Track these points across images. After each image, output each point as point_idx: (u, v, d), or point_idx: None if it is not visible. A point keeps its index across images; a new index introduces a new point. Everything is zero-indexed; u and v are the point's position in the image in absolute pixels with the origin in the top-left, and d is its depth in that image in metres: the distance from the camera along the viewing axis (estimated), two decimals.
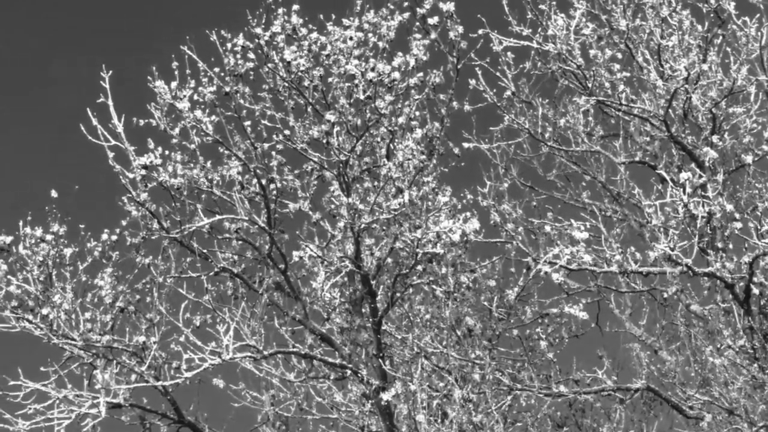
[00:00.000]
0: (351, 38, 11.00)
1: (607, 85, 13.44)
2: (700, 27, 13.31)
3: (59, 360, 11.20)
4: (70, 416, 10.82)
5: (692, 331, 13.29)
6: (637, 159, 14.06)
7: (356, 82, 10.89)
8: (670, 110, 13.01)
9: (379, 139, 11.40)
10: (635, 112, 13.50)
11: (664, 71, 13.00)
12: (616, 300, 14.12)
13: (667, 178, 12.09)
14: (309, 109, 11.29)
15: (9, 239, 11.07)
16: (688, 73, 12.56)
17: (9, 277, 11.07)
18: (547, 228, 12.53)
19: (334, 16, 11.09)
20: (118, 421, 11.49)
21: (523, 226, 13.26)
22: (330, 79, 11.09)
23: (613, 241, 12.56)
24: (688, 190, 10.80)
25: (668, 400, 12.70)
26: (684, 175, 10.64)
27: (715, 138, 12.91)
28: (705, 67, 12.90)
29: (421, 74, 10.99)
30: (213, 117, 11.07)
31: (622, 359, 13.60)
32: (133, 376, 11.05)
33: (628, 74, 13.42)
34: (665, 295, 13.29)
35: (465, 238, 10.64)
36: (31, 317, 11.06)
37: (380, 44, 11.09)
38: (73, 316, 11.13)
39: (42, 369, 11.07)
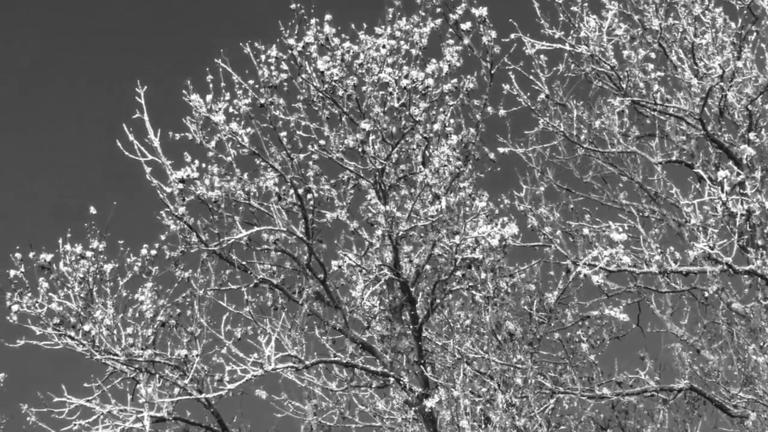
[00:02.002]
0: (384, 46, 11.01)
1: (641, 85, 13.38)
2: (733, 24, 13.22)
3: (102, 375, 11.26)
4: (115, 431, 10.86)
5: (734, 329, 13.23)
6: (673, 158, 13.99)
7: (390, 90, 10.90)
8: (705, 108, 12.94)
9: (414, 146, 11.40)
10: (670, 111, 13.44)
11: (699, 69, 12.94)
12: (656, 300, 14.07)
13: (705, 176, 12.03)
14: (344, 119, 11.30)
15: (50, 257, 11.13)
16: (723, 70, 12.49)
17: (50, 294, 11.13)
18: (585, 230, 12.49)
19: (366, 25, 11.10)
20: None
21: (561, 229, 13.24)
22: (364, 88, 11.09)
23: (651, 242, 12.51)
24: (726, 188, 10.76)
25: (712, 400, 12.64)
26: (722, 173, 10.60)
27: (752, 135, 12.83)
28: (740, 64, 12.83)
29: (454, 80, 10.98)
30: (248, 129, 11.10)
31: (664, 360, 13.55)
32: (176, 390, 11.09)
33: (663, 74, 13.35)
34: (706, 294, 13.24)
35: (504, 243, 10.63)
36: (73, 334, 11.12)
37: (413, 51, 11.09)
38: (115, 332, 11.18)
39: (85, 385, 11.13)
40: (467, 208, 11.03)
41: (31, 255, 11.05)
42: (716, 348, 13.65)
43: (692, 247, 11.63)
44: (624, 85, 13.24)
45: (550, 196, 14.31)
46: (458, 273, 11.25)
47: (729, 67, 12.66)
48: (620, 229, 11.54)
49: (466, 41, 10.97)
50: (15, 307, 10.99)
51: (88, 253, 11.25)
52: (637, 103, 13.51)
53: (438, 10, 11.09)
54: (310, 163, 11.77)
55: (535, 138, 14.34)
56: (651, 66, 13.36)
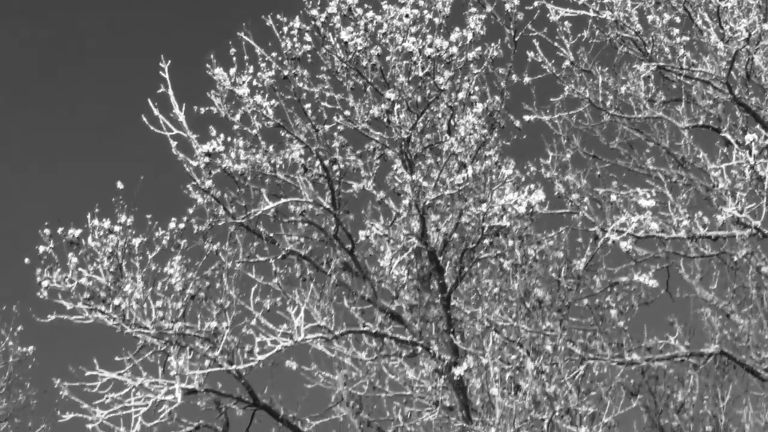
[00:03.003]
0: (407, 15, 10.97)
1: (666, 50, 13.28)
2: None
3: (133, 349, 11.30)
4: (147, 403, 10.93)
5: (764, 293, 13.19)
6: (700, 123, 13.90)
7: (414, 59, 10.88)
8: (732, 72, 12.84)
9: (439, 115, 11.38)
10: (696, 75, 13.35)
11: (725, 33, 12.83)
12: (685, 265, 14.02)
13: (732, 140, 11.97)
14: (368, 89, 11.29)
15: (78, 232, 11.18)
16: (749, 33, 12.39)
17: (80, 269, 11.17)
18: (613, 197, 12.47)
19: None
20: (194, 407, 11.61)
21: (588, 195, 13.21)
22: (388, 58, 11.07)
23: (680, 207, 12.47)
24: (754, 151, 10.71)
25: (742, 364, 12.62)
26: (749, 137, 10.55)
27: None
28: (766, 26, 12.73)
29: (478, 48, 10.95)
30: (273, 101, 11.10)
31: (693, 325, 13.52)
32: (207, 362, 11.14)
33: (688, 38, 13.25)
34: (735, 259, 13.20)
35: (531, 210, 10.62)
36: (103, 308, 11.17)
37: (436, 20, 11.04)
38: (145, 305, 11.22)
39: (117, 358, 11.19)
40: (494, 176, 11.02)
41: (59, 231, 11.11)
42: (746, 312, 13.61)
43: (721, 212, 11.59)
44: (649, 51, 13.16)
45: (577, 163, 14.27)
46: (486, 241, 11.25)
47: (755, 30, 12.55)
48: (648, 195, 11.52)
49: (489, 9, 10.95)
50: (45, 283, 11.05)
51: (117, 228, 11.28)
52: (663, 68, 13.42)
53: None
54: (336, 134, 11.76)
55: (561, 105, 14.27)
56: (676, 30, 13.25)
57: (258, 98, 11.01)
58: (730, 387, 13.64)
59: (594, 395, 11.88)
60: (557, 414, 10.84)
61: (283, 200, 11.47)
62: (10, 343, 19.48)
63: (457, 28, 10.89)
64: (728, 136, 12.47)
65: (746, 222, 10.92)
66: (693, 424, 13.84)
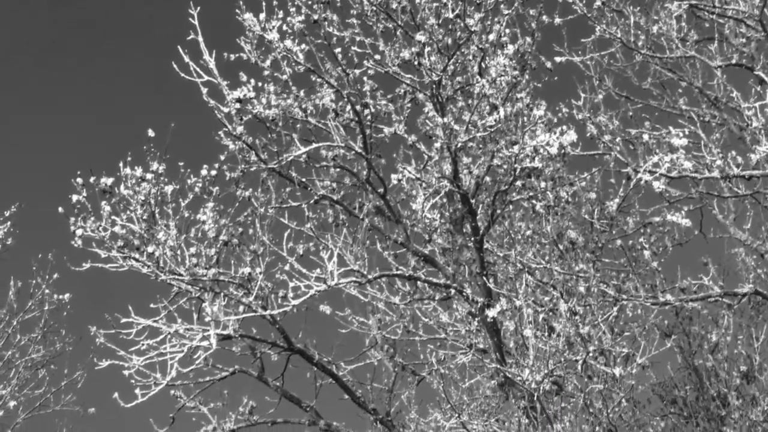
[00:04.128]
0: None
1: None
2: None
3: (168, 296, 11.37)
4: (182, 350, 11.00)
5: None
6: (733, 62, 13.77)
7: (444, 1, 10.82)
8: (765, 10, 12.71)
9: (470, 58, 11.32)
10: (729, 13, 13.22)
11: None
12: (719, 205, 13.94)
13: (766, 78, 11.86)
14: (398, 32, 11.24)
15: (110, 181, 11.20)
16: None
17: (113, 217, 11.21)
18: (645, 137, 12.37)
19: None
20: (229, 352, 11.69)
21: (620, 136, 13.12)
22: (417, 0, 11.01)
23: (713, 147, 12.37)
24: None
25: None
26: None
27: None
28: None
29: None
30: (303, 46, 11.07)
31: (727, 265, 13.49)
32: (241, 308, 11.18)
33: None
34: None
35: (563, 151, 10.57)
36: (137, 256, 11.21)
37: None
38: (179, 252, 11.26)
39: (152, 306, 11.26)
40: (525, 118, 10.98)
41: (92, 180, 11.13)
42: None
43: (754, 151, 11.51)
44: None
45: (609, 104, 14.19)
46: (518, 183, 11.23)
47: None
48: (681, 135, 11.44)
49: None
50: (79, 232, 11.09)
51: (149, 176, 11.30)
52: (695, 7, 13.30)
53: None
54: (366, 78, 11.71)
55: (592, 46, 14.18)
56: None
57: (288, 43, 10.98)
58: (765, 327, 13.61)
59: (628, 336, 11.87)
60: (591, 355, 10.85)
61: (314, 145, 11.47)
62: (47, 291, 19.62)
63: None
64: (762, 75, 12.36)
65: None
66: (727, 365, 13.83)
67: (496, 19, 11.04)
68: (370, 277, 11.22)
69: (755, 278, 13.29)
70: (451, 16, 10.83)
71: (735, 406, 13.30)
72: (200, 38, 10.81)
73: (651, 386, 13.84)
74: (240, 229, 11.53)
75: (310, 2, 11.13)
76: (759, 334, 13.58)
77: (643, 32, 13.79)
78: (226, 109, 10.98)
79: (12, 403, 18.62)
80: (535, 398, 10.44)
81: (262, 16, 11.05)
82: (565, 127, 10.81)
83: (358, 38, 11.53)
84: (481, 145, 11.23)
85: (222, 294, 11.21)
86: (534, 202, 11.75)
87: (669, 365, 13.97)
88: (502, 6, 10.95)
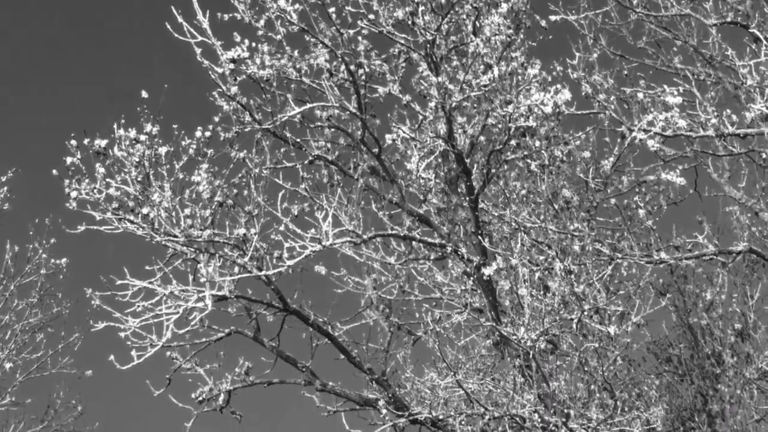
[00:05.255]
0: None
1: None
2: None
3: (163, 257, 11.37)
4: (178, 311, 11.01)
5: None
6: (728, 20, 13.71)
7: None
8: None
9: (464, 16, 11.28)
10: None
11: None
12: (713, 164, 13.92)
13: (761, 36, 11.83)
14: None
15: (104, 142, 11.16)
16: None
17: (108, 179, 11.18)
18: (640, 95, 12.36)
19: None
20: (224, 313, 11.70)
21: (615, 95, 13.09)
22: None
23: (708, 105, 12.35)
24: None
25: None
26: None
27: None
28: None
29: None
30: (297, 6, 11.03)
31: (722, 223, 13.49)
32: (236, 268, 11.19)
33: None
34: (764, 156, 13.08)
35: (557, 110, 10.56)
36: (132, 217, 11.20)
37: None
38: (173, 214, 11.24)
39: (147, 267, 11.25)
40: (520, 77, 10.95)
41: (86, 141, 11.11)
42: None
43: (749, 109, 11.50)
44: None
45: (604, 63, 14.12)
46: (513, 142, 11.22)
47: None
48: (675, 93, 11.43)
49: None
50: (74, 194, 11.07)
51: (143, 137, 11.26)
52: None
53: None
54: (360, 38, 11.68)
55: (587, 4, 14.11)
56: None
57: (282, 2, 10.94)
58: (759, 285, 13.65)
59: (622, 295, 11.90)
60: (586, 313, 10.88)
61: (309, 105, 11.46)
62: (44, 256, 19.65)
63: None
64: (757, 32, 12.32)
65: None
66: (722, 323, 13.88)
67: None
68: (365, 237, 11.23)
69: (750, 236, 13.29)
70: None
71: (729, 363, 13.36)
72: None
73: (646, 344, 13.90)
74: (235, 190, 11.52)
75: None
76: (753, 292, 13.62)
77: None
78: (220, 70, 10.96)
79: (8, 365, 18.66)
80: (531, 357, 10.48)
81: None
82: (559, 86, 10.80)
83: None
84: (475, 105, 11.21)
85: (217, 255, 11.20)
86: (529, 161, 11.75)
87: (664, 323, 14.03)
88: None
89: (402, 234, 11.65)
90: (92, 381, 19.93)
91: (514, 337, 10.52)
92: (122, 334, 10.91)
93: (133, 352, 10.87)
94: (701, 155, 13.35)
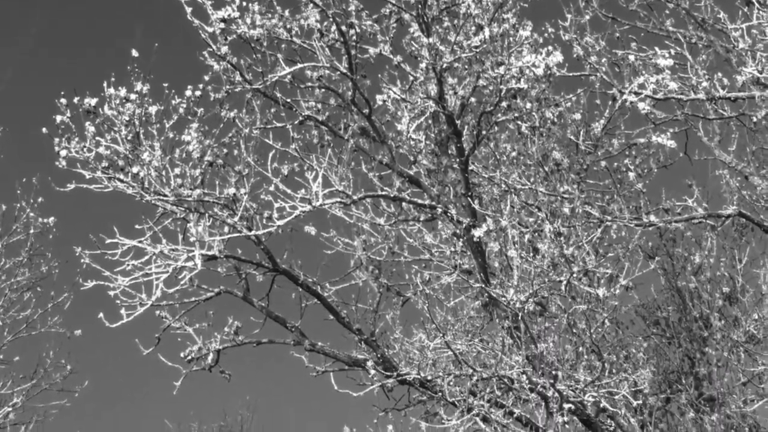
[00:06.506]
0: None
1: None
2: None
3: (153, 217, 11.36)
4: (167, 270, 11.03)
5: None
6: None
7: None
8: None
9: None
10: None
11: None
12: (704, 127, 13.88)
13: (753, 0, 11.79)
14: None
15: (94, 101, 11.14)
16: None
17: (98, 138, 11.16)
18: (632, 58, 12.33)
19: None
20: (214, 273, 11.70)
21: (606, 57, 13.05)
22: None
23: (699, 68, 12.33)
24: None
25: (760, 225, 12.60)
26: None
27: None
28: None
29: None
30: None
31: (712, 187, 13.48)
32: (226, 228, 11.19)
33: None
34: (755, 120, 13.06)
35: (548, 72, 10.55)
36: (122, 176, 11.18)
37: None
38: (163, 173, 11.23)
39: (137, 226, 11.26)
40: (511, 39, 10.92)
41: (75, 100, 11.08)
42: (765, 173, 13.52)
43: (740, 72, 11.49)
44: None
45: (595, 25, 14.07)
46: (503, 104, 11.21)
47: None
48: (667, 56, 11.40)
49: None
50: (63, 152, 11.05)
51: (133, 96, 11.24)
52: None
53: None
54: None
55: None
56: None
57: None
58: (748, 248, 13.67)
59: (612, 257, 11.93)
60: (575, 276, 10.91)
61: (299, 65, 11.44)
62: (31, 215, 19.60)
63: None
64: None
65: (766, 82, 10.83)
66: (710, 286, 13.91)
67: None
68: (355, 197, 11.23)
69: (739, 200, 13.27)
70: None
71: (717, 327, 13.40)
72: None
73: (634, 307, 13.94)
74: (225, 150, 11.49)
75: None
76: (742, 256, 13.65)
77: None
78: (210, 29, 10.93)
79: None
80: (519, 318, 10.50)
81: None
82: (551, 48, 10.78)
83: None
84: (466, 66, 11.18)
85: (207, 214, 11.20)
86: (519, 123, 11.74)
87: (652, 286, 14.05)
88: None
89: (392, 195, 11.66)
90: (81, 340, 19.96)
91: (503, 298, 10.54)
92: (112, 293, 10.93)
93: (123, 311, 10.90)
94: (692, 118, 13.33)
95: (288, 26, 11.39)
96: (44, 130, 11.08)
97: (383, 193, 11.67)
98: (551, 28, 12.71)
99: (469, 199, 11.39)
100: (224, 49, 11.02)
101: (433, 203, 11.64)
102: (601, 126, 12.06)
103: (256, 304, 11.91)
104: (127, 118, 11.23)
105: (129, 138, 11.22)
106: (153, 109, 11.36)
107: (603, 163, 12.32)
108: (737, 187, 13.35)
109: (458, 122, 11.37)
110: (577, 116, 12.11)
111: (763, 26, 10.94)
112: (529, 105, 11.31)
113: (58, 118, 11.03)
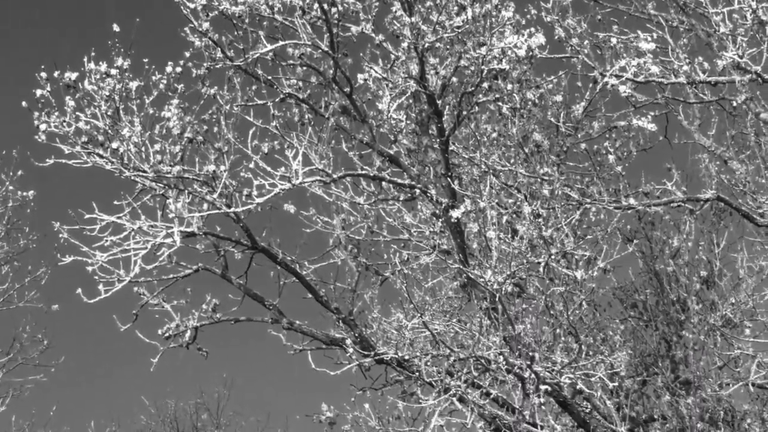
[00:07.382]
0: None
1: None
2: None
3: (132, 192, 11.34)
4: (146, 246, 11.03)
5: (762, 139, 13.14)
6: None
7: None
8: None
9: None
10: None
11: None
12: (684, 111, 13.92)
13: None
14: None
15: (74, 75, 11.10)
16: None
17: (77, 113, 11.13)
18: (613, 40, 12.34)
19: None
20: (192, 250, 11.71)
21: (588, 40, 13.05)
22: None
23: (680, 52, 12.35)
24: None
25: (738, 209, 12.63)
26: None
27: None
28: None
29: None
30: None
31: (691, 170, 13.50)
32: (205, 205, 11.18)
33: None
34: (734, 104, 13.09)
35: (530, 54, 10.55)
36: (101, 152, 11.17)
37: None
38: (143, 149, 11.21)
39: (116, 202, 11.25)
40: (493, 19, 10.90)
41: (56, 74, 11.04)
42: (744, 158, 13.56)
43: (721, 57, 11.51)
44: None
45: (578, 7, 14.07)
46: (485, 85, 11.20)
47: None
48: (648, 39, 11.41)
49: None
50: (43, 126, 11.02)
51: (113, 71, 11.20)
52: None
53: None
54: None
55: None
56: None
57: None
58: (726, 233, 13.69)
59: (590, 240, 11.96)
60: (553, 258, 10.94)
61: (281, 43, 11.41)
62: (10, 188, 19.55)
63: None
64: None
65: (746, 67, 10.85)
66: (688, 270, 13.93)
67: None
68: (334, 176, 11.23)
69: (718, 184, 13.30)
70: None
71: (694, 310, 13.44)
72: None
73: (612, 290, 13.95)
74: (205, 127, 11.48)
75: None
76: (720, 240, 13.67)
77: None
78: (192, 5, 10.90)
79: None
80: (497, 299, 10.52)
81: None
82: (533, 29, 10.78)
83: None
84: (448, 46, 11.17)
85: (186, 191, 11.19)
86: (500, 104, 11.75)
87: (630, 269, 14.07)
88: None
89: (372, 174, 11.66)
90: (58, 315, 19.98)
91: (481, 279, 10.56)
92: (90, 269, 10.92)
93: (101, 287, 10.91)
94: (672, 102, 13.35)
95: (270, 3, 11.35)
96: (24, 103, 11.04)
97: (363, 172, 11.67)
98: (533, 10, 12.71)
99: (448, 179, 11.39)
100: (206, 25, 11.00)
101: (413, 183, 11.64)
102: (582, 108, 12.07)
103: (235, 281, 11.91)
104: (107, 94, 11.20)
105: (109, 113, 11.20)
106: (133, 85, 11.32)
107: (583, 146, 12.34)
108: (716, 171, 13.38)
109: (439, 102, 11.36)
110: (558, 98, 12.12)
111: (743, 11, 10.94)
112: (510, 86, 11.32)
113: (38, 91, 10.98)
